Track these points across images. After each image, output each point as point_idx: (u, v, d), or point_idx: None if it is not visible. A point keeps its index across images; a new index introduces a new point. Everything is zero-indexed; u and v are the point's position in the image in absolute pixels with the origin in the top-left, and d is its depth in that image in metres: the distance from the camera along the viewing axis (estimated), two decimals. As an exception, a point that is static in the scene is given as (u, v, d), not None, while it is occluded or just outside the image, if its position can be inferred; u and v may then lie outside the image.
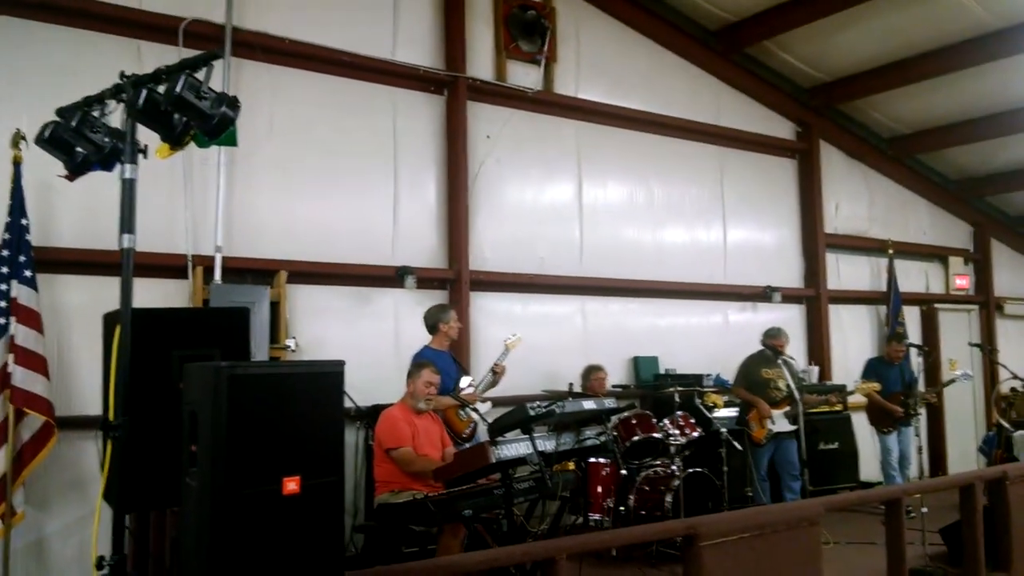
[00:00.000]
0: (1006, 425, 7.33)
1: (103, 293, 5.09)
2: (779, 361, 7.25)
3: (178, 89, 2.97)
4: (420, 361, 5.60)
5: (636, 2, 8.67)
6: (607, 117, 8.38)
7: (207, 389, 2.66)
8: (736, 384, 7.51)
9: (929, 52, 8.75)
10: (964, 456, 10.75)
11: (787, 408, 7.16)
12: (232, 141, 5.50)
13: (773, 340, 7.35)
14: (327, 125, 6.79)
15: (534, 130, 7.94)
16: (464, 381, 6.18)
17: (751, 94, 9.64)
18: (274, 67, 6.53)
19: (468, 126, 7.41)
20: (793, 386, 7.04)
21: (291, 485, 2.71)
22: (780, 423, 7.19)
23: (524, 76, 7.84)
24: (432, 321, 6.30)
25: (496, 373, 6.35)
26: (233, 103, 3.08)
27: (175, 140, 3.16)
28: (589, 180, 8.25)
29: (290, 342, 6.13)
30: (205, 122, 3.04)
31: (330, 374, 2.88)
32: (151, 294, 5.64)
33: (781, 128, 9.95)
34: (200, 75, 3.05)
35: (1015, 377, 7.09)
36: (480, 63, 7.62)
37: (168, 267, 5.87)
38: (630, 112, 8.50)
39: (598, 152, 8.33)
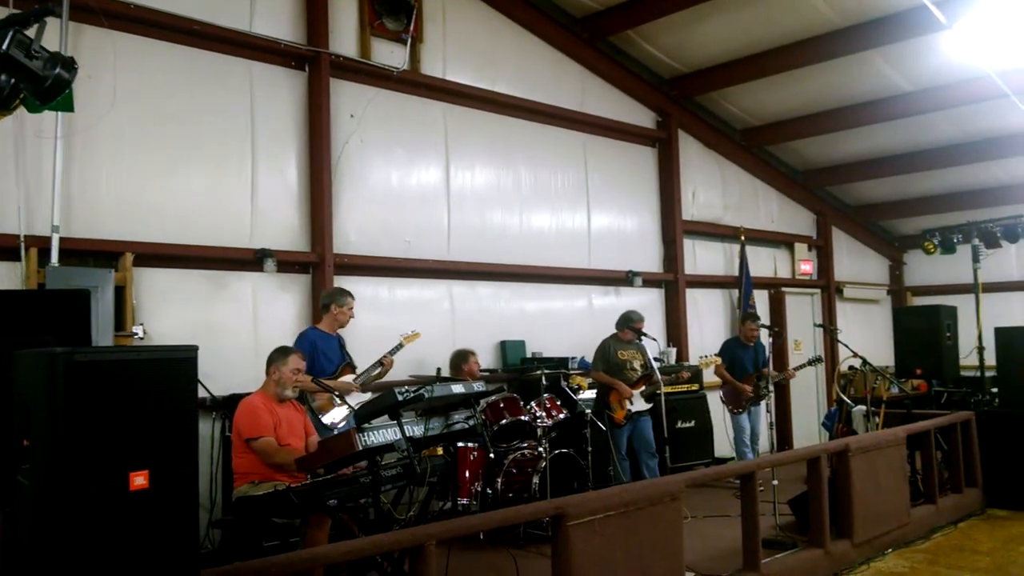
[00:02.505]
0: (847, 400, 7.81)
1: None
2: (637, 342, 7.49)
3: (5, 46, 2.67)
4: (285, 347, 5.36)
5: (502, -15, 8.66)
6: (474, 100, 8.31)
7: (41, 377, 2.42)
8: (594, 368, 7.64)
9: (779, 48, 9.17)
10: (808, 431, 11.46)
11: (643, 387, 7.39)
12: (68, 106, 5.08)
13: (639, 323, 7.55)
14: (177, 98, 6.39)
15: (400, 111, 7.78)
16: (348, 378, 6.08)
17: (614, 82, 9.82)
18: (118, 34, 6.06)
19: (331, 104, 7.16)
20: (653, 365, 7.31)
21: (139, 480, 2.51)
22: (638, 403, 7.41)
23: (389, 55, 7.66)
24: (325, 301, 6.24)
25: (383, 365, 6.27)
26: (69, 64, 2.81)
27: (1, 104, 2.85)
28: (457, 163, 8.17)
29: (137, 329, 5.76)
30: (36, 84, 2.77)
31: (181, 360, 2.69)
32: (-24, 278, 5.16)
33: (642, 117, 10.20)
34: (31, 32, 2.77)
35: (855, 355, 7.55)
36: (344, 39, 7.37)
37: (-4, 248, 5.38)
38: (497, 96, 8.47)
39: (466, 135, 8.26)
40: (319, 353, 5.99)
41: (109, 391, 2.47)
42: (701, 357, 8.24)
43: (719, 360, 8.25)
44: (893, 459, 6.54)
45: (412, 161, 7.84)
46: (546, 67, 9.08)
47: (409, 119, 7.84)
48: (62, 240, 5.57)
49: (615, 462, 7.40)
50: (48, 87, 2.77)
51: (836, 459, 6.06)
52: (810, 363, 8.74)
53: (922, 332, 8.58)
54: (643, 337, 7.48)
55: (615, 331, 7.70)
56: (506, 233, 8.56)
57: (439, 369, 7.14)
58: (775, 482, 6.08)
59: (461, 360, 7.16)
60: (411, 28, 7.72)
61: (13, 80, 2.80)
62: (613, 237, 9.66)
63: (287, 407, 5.19)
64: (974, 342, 9.47)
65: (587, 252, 9.34)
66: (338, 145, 7.25)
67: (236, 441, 5.03)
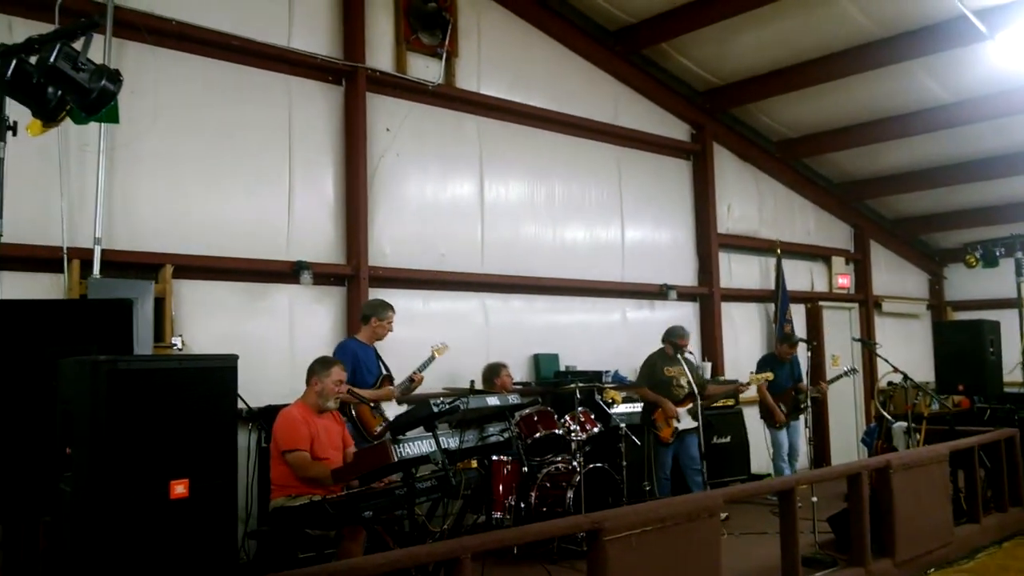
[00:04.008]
0: (888, 417, 7.67)
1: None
2: (680, 358, 7.38)
3: (52, 59, 2.73)
4: (327, 358, 5.35)
5: (537, -1, 8.68)
6: (509, 113, 8.33)
7: (84, 386, 2.44)
8: (639, 384, 7.56)
9: (815, 59, 9.08)
10: (847, 448, 11.25)
11: (690, 405, 7.29)
12: (114, 118, 5.15)
13: (681, 340, 7.45)
14: (217, 113, 6.47)
15: (435, 124, 7.82)
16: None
17: (648, 95, 9.78)
18: (160, 50, 6.18)
19: (367, 118, 7.22)
20: (694, 383, 7.20)
21: (179, 489, 2.53)
22: (685, 420, 7.32)
23: (425, 69, 7.71)
24: (366, 312, 6.28)
25: (413, 381, 6.29)
26: (114, 76, 2.86)
27: (49, 115, 2.91)
28: (491, 176, 8.18)
29: (176, 340, 5.82)
30: (83, 96, 2.82)
31: (222, 369, 2.70)
32: (20, 288, 5.27)
33: (676, 129, 10.14)
34: (77, 45, 2.82)
35: (895, 371, 7.41)
36: (380, 54, 7.44)
37: (40, 260, 5.47)
38: (531, 109, 8.48)
39: (500, 148, 8.27)
40: (360, 364, 6.02)
41: (151, 399, 2.49)
42: (751, 373, 8.11)
43: (771, 375, 8.11)
44: (935, 477, 6.39)
45: (447, 174, 7.87)
46: (579, 80, 9.08)
47: (444, 133, 7.88)
48: (103, 252, 5.66)
49: (654, 479, 7.31)
50: (94, 99, 2.82)
51: (877, 476, 5.93)
52: (845, 374, 8.56)
53: (964, 347, 8.36)
54: (681, 354, 7.37)
55: (661, 346, 7.61)
56: (539, 246, 8.54)
57: (472, 382, 7.12)
58: (814, 499, 5.96)
59: (493, 373, 7.13)
60: (446, 43, 7.77)
61: (60, 92, 2.85)
62: (647, 250, 9.60)
63: (326, 418, 5.19)
64: (1018, 357, 9.27)
65: (621, 265, 9.29)
66: (374, 159, 7.30)
67: (274, 451, 5.05)
